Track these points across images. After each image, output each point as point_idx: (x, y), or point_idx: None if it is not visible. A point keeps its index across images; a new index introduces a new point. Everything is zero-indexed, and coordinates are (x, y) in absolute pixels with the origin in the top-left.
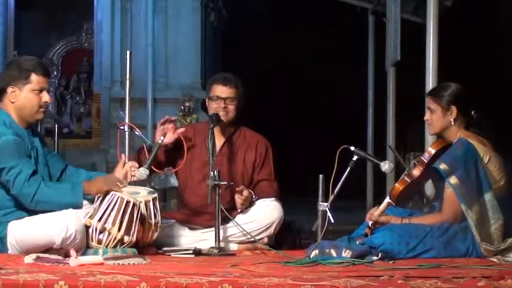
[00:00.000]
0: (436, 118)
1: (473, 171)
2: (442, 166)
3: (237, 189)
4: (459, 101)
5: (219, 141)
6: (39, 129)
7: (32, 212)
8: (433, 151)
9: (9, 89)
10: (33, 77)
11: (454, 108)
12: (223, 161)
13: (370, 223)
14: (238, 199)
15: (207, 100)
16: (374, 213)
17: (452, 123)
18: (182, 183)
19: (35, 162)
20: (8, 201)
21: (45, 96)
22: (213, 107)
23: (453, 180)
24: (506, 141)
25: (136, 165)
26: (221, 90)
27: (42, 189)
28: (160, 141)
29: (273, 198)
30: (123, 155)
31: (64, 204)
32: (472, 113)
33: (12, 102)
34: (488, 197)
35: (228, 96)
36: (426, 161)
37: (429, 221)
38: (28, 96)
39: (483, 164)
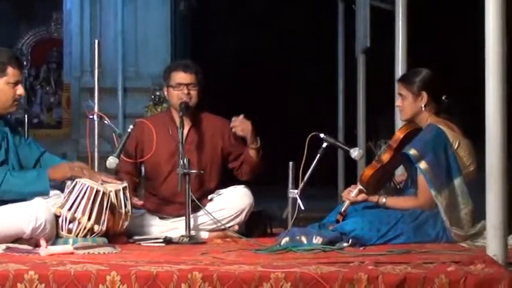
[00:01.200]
0: (407, 104)
1: (443, 157)
2: (412, 151)
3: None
4: (430, 86)
5: (185, 129)
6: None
7: (0, 202)
8: (400, 135)
9: None
10: (9, 69)
11: (424, 94)
12: (191, 148)
13: (342, 209)
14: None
15: (166, 89)
16: (351, 191)
17: (423, 109)
18: (151, 174)
19: (5, 153)
20: None
21: (20, 89)
22: (176, 94)
23: (423, 165)
24: (477, 127)
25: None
26: (182, 77)
27: (7, 179)
28: (129, 130)
29: (243, 186)
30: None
31: (31, 193)
32: (443, 98)
33: None
34: (457, 182)
35: (190, 82)
36: (394, 146)
37: (405, 204)
38: (3, 89)
39: (453, 150)
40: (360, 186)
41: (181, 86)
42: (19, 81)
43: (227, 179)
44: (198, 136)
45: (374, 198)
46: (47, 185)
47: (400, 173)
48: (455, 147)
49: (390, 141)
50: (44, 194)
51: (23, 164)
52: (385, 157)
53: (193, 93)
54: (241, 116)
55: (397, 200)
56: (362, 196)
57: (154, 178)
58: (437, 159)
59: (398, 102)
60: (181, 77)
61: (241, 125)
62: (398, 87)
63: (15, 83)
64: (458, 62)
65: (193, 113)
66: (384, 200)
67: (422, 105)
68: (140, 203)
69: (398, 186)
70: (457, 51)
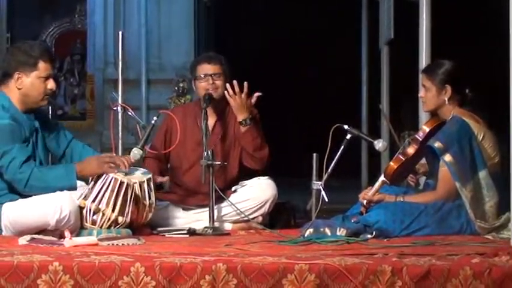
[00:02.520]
0: (431, 96)
1: (467, 149)
2: (437, 144)
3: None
4: (453, 79)
5: (211, 120)
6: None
7: (22, 195)
8: (427, 129)
9: (16, 75)
10: (41, 64)
11: (448, 87)
12: (216, 140)
13: (364, 202)
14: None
15: (193, 82)
16: (368, 193)
17: (447, 102)
18: (176, 164)
19: (34, 146)
20: (2, 183)
21: (51, 83)
22: (202, 85)
23: (447, 158)
24: (501, 119)
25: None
26: (207, 68)
27: (35, 175)
28: (153, 122)
29: (267, 177)
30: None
31: (58, 188)
32: (467, 91)
33: (19, 89)
34: (482, 174)
35: (215, 72)
36: (420, 139)
37: (424, 199)
38: (35, 83)
39: (477, 142)
40: (382, 178)
41: (206, 76)
42: (50, 75)
43: (252, 171)
44: (223, 128)
45: (391, 198)
46: (74, 181)
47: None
48: (480, 139)
49: (416, 135)
50: (71, 189)
51: (52, 156)
52: (410, 151)
53: (219, 83)
54: (254, 96)
55: (415, 197)
56: (378, 196)
57: (179, 167)
58: (462, 151)
59: (421, 93)
60: (205, 68)
61: (236, 98)
62: (422, 79)
63: (46, 77)
64: (482, 54)
65: (220, 104)
66: (402, 199)
67: (446, 99)
68: (165, 179)
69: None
70: (481, 43)
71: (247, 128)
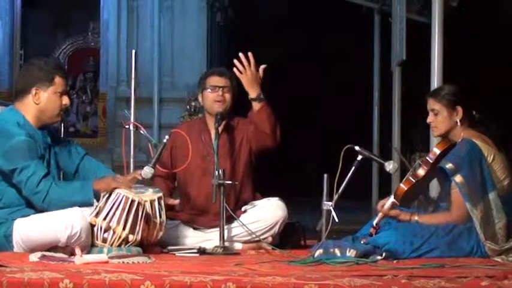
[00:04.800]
0: (442, 120)
1: (478, 171)
2: (448, 165)
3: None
4: (464, 99)
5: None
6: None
7: (38, 210)
8: (437, 151)
9: (33, 90)
10: (57, 79)
11: (459, 108)
12: (223, 154)
13: (374, 222)
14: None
15: (201, 93)
16: (385, 203)
17: (458, 123)
18: (182, 181)
19: (48, 163)
20: (17, 200)
21: (66, 99)
22: (210, 96)
23: (458, 179)
24: (509, 140)
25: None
26: (217, 80)
27: (53, 190)
28: (165, 140)
29: (277, 198)
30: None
31: (75, 202)
32: (473, 112)
33: (37, 104)
34: (492, 196)
35: (225, 85)
36: (431, 162)
37: (438, 220)
38: (51, 98)
39: (487, 163)
40: (392, 199)
41: (216, 88)
42: (65, 90)
43: (261, 190)
44: (229, 142)
45: (406, 216)
46: (90, 195)
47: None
48: (490, 160)
49: (427, 157)
50: (89, 204)
51: (64, 173)
52: (421, 172)
53: (228, 96)
54: (260, 69)
55: (429, 217)
56: (395, 212)
57: (185, 184)
58: (472, 173)
59: (430, 118)
60: (216, 80)
61: (246, 72)
62: (429, 103)
63: (61, 92)
64: (494, 75)
65: (225, 117)
66: (416, 218)
67: (458, 120)
68: (177, 201)
69: (430, 199)
70: (492, 63)
71: (262, 104)
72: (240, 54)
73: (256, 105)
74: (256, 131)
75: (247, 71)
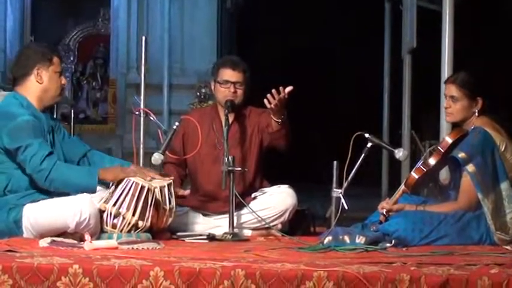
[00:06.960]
0: (460, 108)
1: (490, 160)
2: (461, 155)
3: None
4: (485, 91)
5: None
6: (55, 115)
7: (47, 195)
8: (450, 141)
9: (35, 71)
10: (55, 59)
11: (479, 100)
12: (233, 143)
13: (384, 210)
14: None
15: (213, 83)
16: (387, 203)
17: (476, 114)
18: (193, 168)
19: (52, 145)
20: (24, 183)
21: (63, 79)
22: (222, 90)
23: (471, 168)
24: None
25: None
26: (230, 75)
27: (57, 168)
28: (175, 127)
29: (287, 186)
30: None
31: (78, 186)
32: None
33: (40, 83)
34: (504, 186)
35: (237, 80)
36: (443, 150)
37: (445, 209)
38: (53, 77)
39: (499, 153)
40: (403, 187)
41: (228, 83)
42: (62, 70)
43: (270, 177)
44: (240, 131)
45: (411, 208)
46: (95, 182)
47: (444, 177)
48: (502, 150)
49: (438, 146)
50: (90, 191)
51: (67, 159)
52: (432, 161)
53: (240, 91)
54: (287, 91)
55: (436, 207)
56: (398, 206)
57: (195, 171)
58: (485, 162)
59: (447, 103)
60: (229, 74)
61: (277, 102)
62: (449, 89)
63: (60, 72)
64: (504, 64)
65: (237, 109)
66: (422, 209)
67: (476, 111)
68: (187, 192)
69: (440, 187)
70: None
71: (282, 124)
72: (273, 91)
73: (276, 126)
74: (271, 141)
75: (278, 104)
